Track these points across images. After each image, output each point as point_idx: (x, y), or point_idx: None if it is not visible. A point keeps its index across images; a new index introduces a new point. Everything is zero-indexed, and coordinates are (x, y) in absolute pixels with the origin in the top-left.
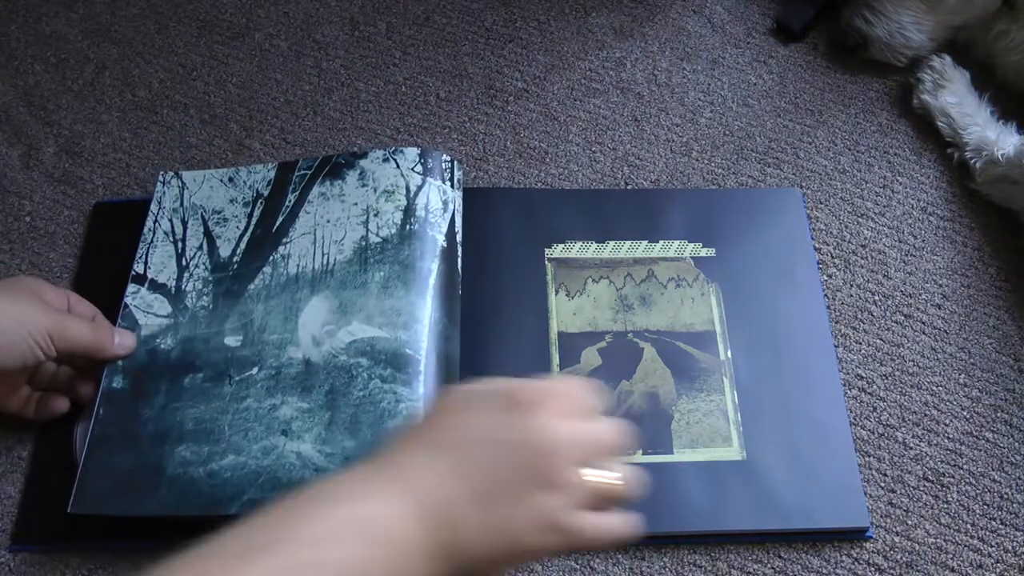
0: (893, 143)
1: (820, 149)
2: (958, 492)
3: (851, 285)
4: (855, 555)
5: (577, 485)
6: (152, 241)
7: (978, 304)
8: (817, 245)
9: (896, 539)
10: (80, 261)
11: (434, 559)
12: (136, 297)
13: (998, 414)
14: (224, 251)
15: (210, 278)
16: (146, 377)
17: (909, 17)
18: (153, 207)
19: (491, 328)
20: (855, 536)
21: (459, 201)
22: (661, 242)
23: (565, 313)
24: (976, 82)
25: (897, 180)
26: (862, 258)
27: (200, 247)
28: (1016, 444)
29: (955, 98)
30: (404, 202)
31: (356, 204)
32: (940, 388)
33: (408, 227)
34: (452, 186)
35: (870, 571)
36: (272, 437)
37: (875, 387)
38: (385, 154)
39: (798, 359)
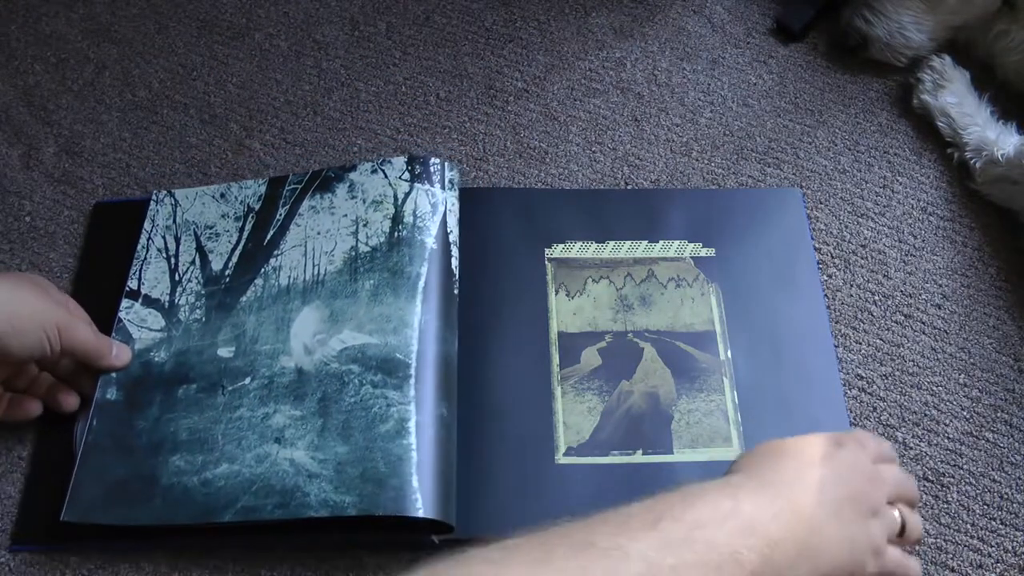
0: (893, 143)
1: (820, 149)
2: (958, 492)
3: (851, 285)
4: None
5: (891, 519)
6: (145, 258)
7: (978, 304)
8: (817, 245)
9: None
10: (80, 261)
11: (801, 558)
12: (130, 312)
13: (998, 414)
14: (216, 265)
15: (203, 292)
16: (140, 389)
17: (909, 17)
18: (146, 225)
19: (491, 328)
20: None
21: (453, 202)
22: (661, 242)
23: (565, 313)
24: (976, 82)
25: (897, 180)
26: (862, 258)
27: (193, 262)
28: (1016, 444)
29: (955, 98)
30: (392, 210)
31: (346, 216)
32: (940, 388)
33: (396, 234)
34: (444, 188)
35: None
36: (265, 445)
37: (875, 387)
38: (374, 165)
39: (798, 359)
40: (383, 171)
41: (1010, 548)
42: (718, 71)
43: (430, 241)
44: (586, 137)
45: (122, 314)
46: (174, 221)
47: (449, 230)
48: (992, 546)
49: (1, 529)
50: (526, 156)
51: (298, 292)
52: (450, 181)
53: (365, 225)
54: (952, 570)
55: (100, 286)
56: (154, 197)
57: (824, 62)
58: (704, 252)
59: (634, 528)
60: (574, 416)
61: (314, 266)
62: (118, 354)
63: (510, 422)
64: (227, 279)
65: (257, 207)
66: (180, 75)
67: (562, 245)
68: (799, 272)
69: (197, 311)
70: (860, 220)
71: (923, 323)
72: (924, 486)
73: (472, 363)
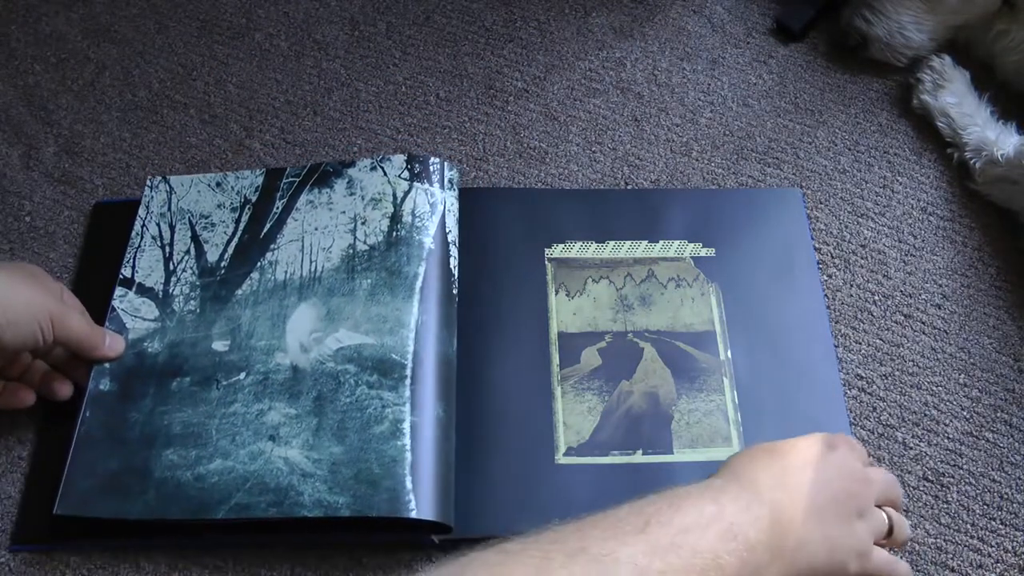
0: (893, 143)
1: (820, 149)
2: (958, 492)
3: (851, 285)
4: None
5: (879, 520)
6: (140, 245)
7: (978, 304)
8: (817, 245)
9: None
10: (80, 261)
11: (773, 561)
12: (124, 300)
13: (998, 414)
14: (212, 256)
15: (197, 283)
16: (133, 380)
17: (909, 17)
18: (141, 211)
19: (491, 328)
20: None
21: (452, 202)
22: (661, 242)
23: (565, 313)
24: (976, 82)
25: (897, 180)
26: (862, 258)
27: (188, 252)
28: (1016, 444)
29: (955, 98)
30: (391, 209)
31: (344, 212)
32: (940, 388)
33: (395, 234)
34: (443, 188)
35: None
36: (260, 442)
37: (875, 387)
38: (372, 162)
39: (798, 359)
40: (382, 168)
41: (1010, 548)
42: (718, 71)
43: (428, 241)
44: (586, 137)
45: (116, 302)
46: (169, 208)
47: (448, 230)
48: (992, 546)
49: (1, 529)
50: (526, 156)
51: (294, 288)
52: (449, 181)
53: (363, 223)
54: (952, 570)
55: (100, 285)
56: (149, 183)
57: (824, 62)
58: (704, 252)
59: (624, 533)
60: (574, 416)
61: (311, 262)
62: (111, 344)
63: (510, 422)
64: (222, 271)
65: (254, 199)
66: (180, 75)
67: (562, 245)
68: (799, 272)
69: (192, 302)
70: (860, 220)
71: (923, 323)
72: (924, 486)
73: (472, 363)
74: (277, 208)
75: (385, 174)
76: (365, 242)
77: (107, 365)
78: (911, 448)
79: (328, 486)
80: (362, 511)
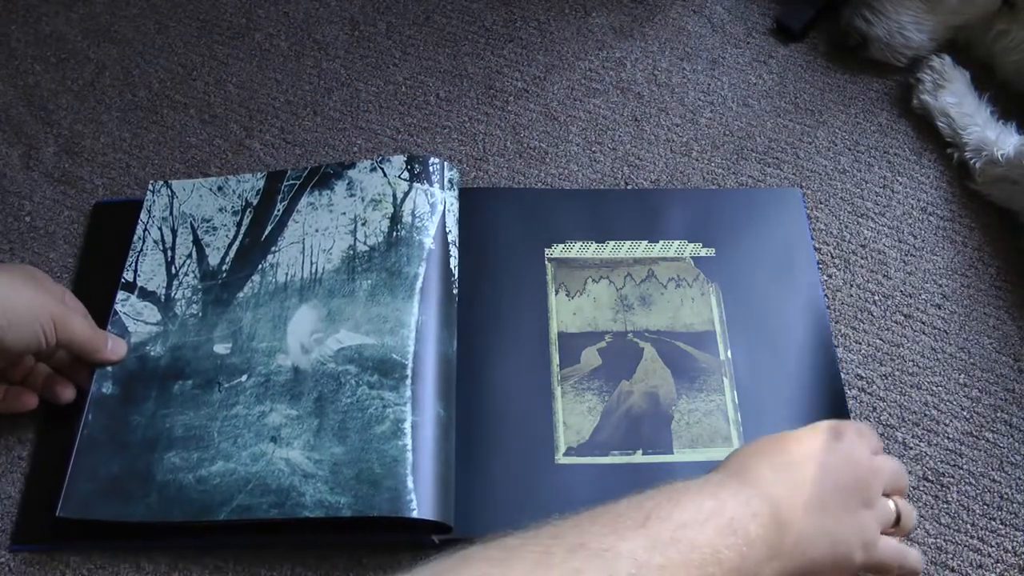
0: (893, 143)
1: (820, 149)
2: (958, 492)
3: (851, 285)
4: None
5: (886, 510)
6: (142, 249)
7: (978, 304)
8: (817, 245)
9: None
10: (80, 261)
11: (773, 556)
12: (126, 304)
13: (998, 414)
14: (213, 260)
15: (199, 286)
16: (136, 383)
17: (909, 17)
18: (143, 216)
19: (491, 328)
20: None
21: (452, 202)
22: (661, 242)
23: (565, 313)
24: (976, 82)
25: (897, 180)
26: (862, 258)
27: (189, 255)
28: (1016, 444)
29: (955, 98)
30: (391, 210)
31: (344, 214)
32: (940, 388)
33: (395, 234)
34: (443, 188)
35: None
36: (261, 444)
37: (875, 387)
38: (372, 164)
39: (798, 359)
40: (382, 169)
41: (1010, 548)
42: (718, 71)
43: (428, 241)
44: (586, 137)
45: (118, 306)
46: (171, 213)
47: (448, 230)
48: (992, 546)
49: (1, 529)
50: (526, 156)
51: (295, 290)
52: (449, 181)
53: (364, 224)
54: (952, 570)
55: (100, 286)
56: (151, 187)
57: (824, 62)
58: (704, 252)
59: (624, 528)
60: (574, 416)
61: (312, 264)
62: (113, 347)
63: (510, 422)
64: (224, 274)
65: (255, 202)
66: (180, 75)
67: (562, 245)
68: (799, 272)
69: (194, 306)
70: (860, 220)
71: (923, 323)
72: (924, 486)
73: (472, 363)
74: (278, 211)
75: (385, 175)
76: (365, 243)
77: (109, 368)
78: (911, 448)
79: (329, 486)
80: (363, 511)
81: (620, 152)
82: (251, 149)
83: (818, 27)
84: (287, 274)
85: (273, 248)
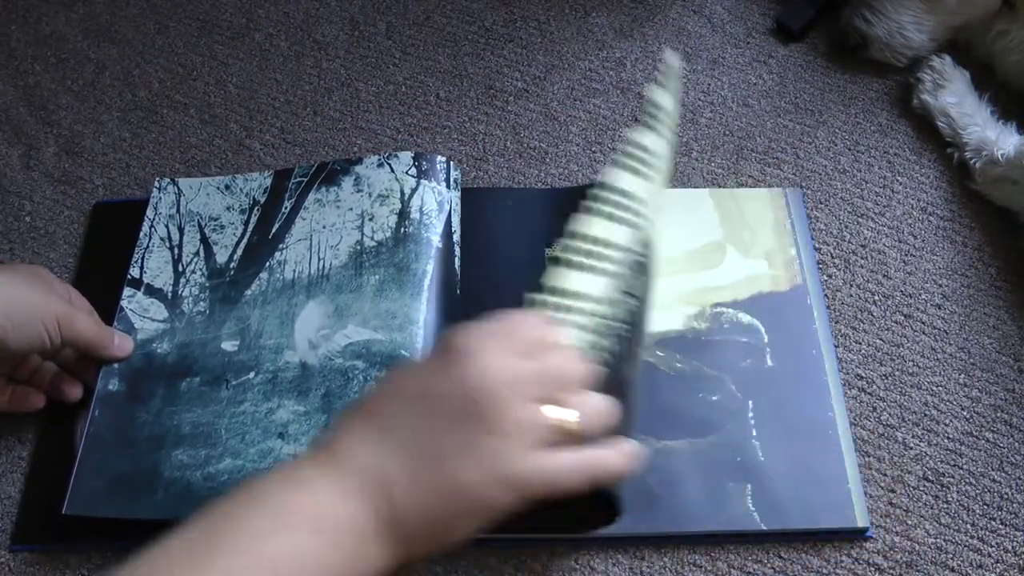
0: (893, 143)
1: (820, 149)
2: (958, 492)
3: (851, 285)
4: (855, 555)
5: (532, 425)
6: (148, 247)
7: (978, 304)
8: (817, 245)
9: (896, 539)
10: (80, 261)
11: (383, 537)
12: (132, 301)
13: (998, 414)
14: (221, 257)
15: (207, 284)
16: (143, 381)
17: (909, 17)
18: (149, 212)
19: None
20: (855, 536)
21: (456, 202)
22: None
23: None
24: (976, 82)
25: (897, 180)
26: (862, 258)
27: (197, 253)
28: (1016, 444)
29: (955, 98)
30: (399, 205)
31: (351, 209)
32: (940, 388)
33: (403, 230)
34: (448, 187)
35: (870, 571)
36: (269, 440)
37: (875, 387)
38: (380, 159)
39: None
40: (389, 165)
41: (1010, 548)
42: (718, 71)
43: (436, 239)
44: (586, 137)
45: (124, 303)
46: (177, 211)
47: (453, 229)
48: (992, 546)
49: (1, 529)
50: (526, 156)
51: (303, 286)
52: (454, 180)
53: (371, 219)
54: (952, 570)
55: (100, 286)
56: (157, 184)
57: (824, 62)
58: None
59: (191, 561)
60: None
61: (319, 260)
62: (120, 344)
63: None
64: (231, 272)
65: (263, 200)
66: (180, 75)
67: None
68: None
69: (201, 303)
70: (860, 220)
71: (923, 323)
72: (924, 486)
73: None
74: (285, 208)
75: (392, 171)
76: (372, 238)
77: (116, 366)
78: (911, 448)
79: None
80: None
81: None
82: (251, 149)
83: (818, 27)
84: (295, 271)
85: (281, 245)
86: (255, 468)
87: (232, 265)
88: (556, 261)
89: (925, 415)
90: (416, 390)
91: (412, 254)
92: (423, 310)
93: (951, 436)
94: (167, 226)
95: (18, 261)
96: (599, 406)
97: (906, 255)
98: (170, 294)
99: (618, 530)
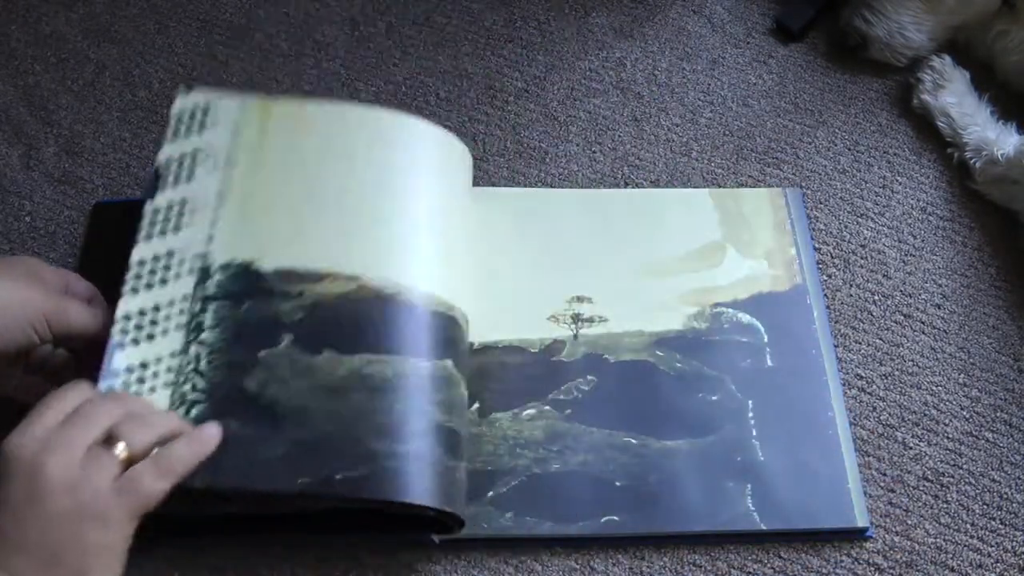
0: (893, 143)
1: (820, 149)
2: (958, 492)
3: (851, 285)
4: (855, 555)
5: (88, 471)
6: None
7: (978, 304)
8: (817, 245)
9: (896, 539)
10: (80, 261)
11: None
12: None
13: (998, 414)
14: None
15: None
16: None
17: (909, 17)
18: None
19: None
20: (855, 536)
21: None
22: None
23: None
24: (976, 82)
25: (897, 180)
26: (862, 258)
27: None
28: (1016, 444)
29: (955, 98)
30: None
31: None
32: (940, 388)
33: None
34: None
35: (870, 571)
36: None
37: (875, 387)
38: None
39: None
40: None
41: (1010, 548)
42: (718, 71)
43: None
44: (586, 137)
45: None
46: None
47: None
48: (992, 546)
49: None
50: (526, 156)
51: None
52: None
53: None
54: (952, 570)
55: (100, 286)
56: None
57: (824, 62)
58: None
59: None
60: None
61: None
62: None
63: None
64: None
65: None
66: (180, 75)
67: None
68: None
69: None
70: (860, 220)
71: (923, 323)
72: (924, 486)
73: None
74: None
75: None
76: None
77: None
78: (911, 448)
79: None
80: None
81: (620, 152)
82: None
83: (818, 27)
84: None
85: None
86: None
87: None
88: (122, 345)
89: (925, 415)
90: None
91: None
92: None
93: (951, 436)
94: None
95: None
96: (149, 423)
97: (906, 255)
98: None
99: (618, 530)
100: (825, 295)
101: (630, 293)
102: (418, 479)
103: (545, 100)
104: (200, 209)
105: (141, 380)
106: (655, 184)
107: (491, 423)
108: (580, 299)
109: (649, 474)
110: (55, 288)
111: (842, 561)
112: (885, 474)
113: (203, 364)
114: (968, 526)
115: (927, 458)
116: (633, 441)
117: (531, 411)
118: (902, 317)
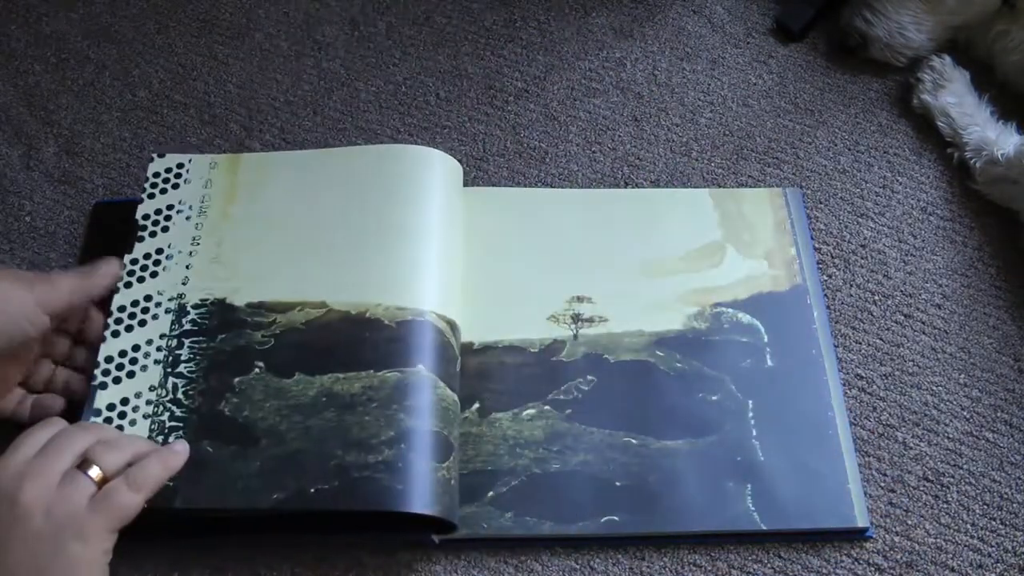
0: (893, 143)
1: (820, 149)
2: (958, 492)
3: (851, 285)
4: (855, 555)
5: (66, 494)
6: None
7: (978, 304)
8: (817, 245)
9: (896, 539)
10: (80, 261)
11: None
12: None
13: (998, 414)
14: None
15: None
16: None
17: (909, 17)
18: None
19: None
20: (855, 536)
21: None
22: None
23: None
24: (976, 82)
25: (897, 180)
26: (862, 258)
27: None
28: (1016, 444)
29: (955, 98)
30: None
31: None
32: (940, 388)
33: None
34: None
35: (870, 571)
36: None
37: (875, 387)
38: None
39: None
40: None
41: (1010, 548)
42: (718, 71)
43: None
44: (586, 137)
45: None
46: None
47: None
48: (992, 546)
49: None
50: (526, 156)
51: None
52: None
53: None
54: (952, 570)
55: None
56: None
57: (824, 62)
58: None
59: None
60: None
61: None
62: (106, 270)
63: None
64: None
65: None
66: (180, 75)
67: None
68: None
69: None
70: (860, 220)
71: (923, 323)
72: (924, 486)
73: None
74: None
75: None
76: None
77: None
78: (911, 448)
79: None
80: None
81: (620, 152)
82: (251, 149)
83: (818, 27)
84: None
85: None
86: None
87: None
88: (104, 385)
89: (925, 415)
90: None
91: None
92: None
93: (951, 436)
94: None
95: (18, 261)
96: (119, 446)
97: (906, 255)
98: None
99: (618, 530)
100: (825, 295)
101: (630, 293)
102: (391, 486)
103: (545, 100)
104: (176, 255)
105: (123, 415)
106: (655, 184)
107: (491, 423)
108: (580, 299)
109: (649, 474)
110: (33, 277)
111: (842, 561)
112: (885, 474)
113: (180, 394)
114: (968, 526)
115: (927, 458)
116: (633, 441)
117: (531, 411)
118: (902, 317)
